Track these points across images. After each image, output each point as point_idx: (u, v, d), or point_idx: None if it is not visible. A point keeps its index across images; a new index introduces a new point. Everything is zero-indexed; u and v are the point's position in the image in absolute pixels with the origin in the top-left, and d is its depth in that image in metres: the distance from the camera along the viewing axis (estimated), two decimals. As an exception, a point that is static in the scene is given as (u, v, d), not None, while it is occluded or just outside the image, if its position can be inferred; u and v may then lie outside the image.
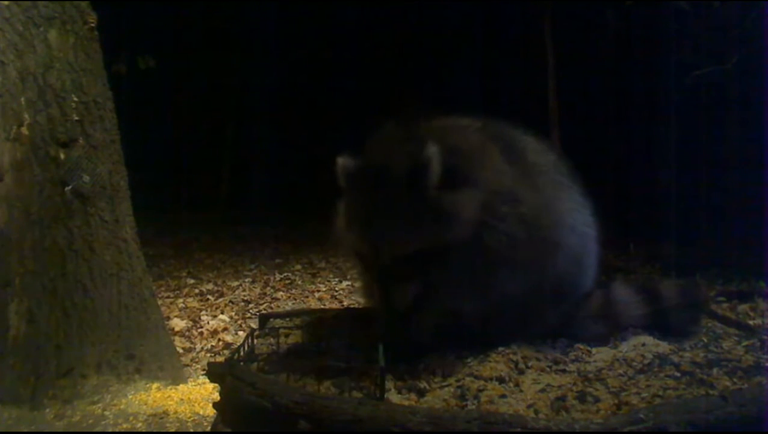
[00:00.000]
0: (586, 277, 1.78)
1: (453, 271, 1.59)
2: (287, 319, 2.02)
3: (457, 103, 1.87)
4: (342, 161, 1.65)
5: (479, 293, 1.61)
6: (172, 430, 2.31)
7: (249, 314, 4.07)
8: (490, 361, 1.55)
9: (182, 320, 3.88)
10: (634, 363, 1.57)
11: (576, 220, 1.76)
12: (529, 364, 1.55)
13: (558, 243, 1.67)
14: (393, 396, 1.40)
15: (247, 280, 5.07)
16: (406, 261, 1.53)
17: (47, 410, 2.43)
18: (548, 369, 1.54)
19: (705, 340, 1.75)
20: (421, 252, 1.53)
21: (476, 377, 1.47)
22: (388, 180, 1.55)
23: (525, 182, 1.67)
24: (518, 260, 1.60)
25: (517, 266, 1.61)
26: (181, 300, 4.38)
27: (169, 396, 2.56)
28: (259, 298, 4.52)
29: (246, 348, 1.64)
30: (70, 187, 2.59)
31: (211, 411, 2.18)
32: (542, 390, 1.41)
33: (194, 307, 4.23)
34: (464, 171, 1.60)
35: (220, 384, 1.39)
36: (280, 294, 4.64)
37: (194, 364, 3.22)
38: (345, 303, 4.30)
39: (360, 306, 2.08)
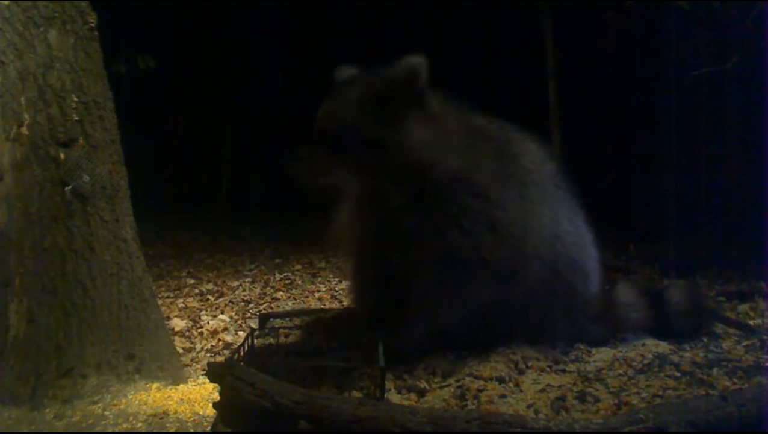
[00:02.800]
0: (578, 285, 1.75)
1: (425, 278, 1.59)
2: (287, 319, 2.02)
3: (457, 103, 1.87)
4: (338, 70, 1.76)
5: (452, 302, 1.60)
6: (172, 430, 2.31)
7: (249, 314, 4.07)
8: (490, 361, 1.55)
9: (182, 320, 3.88)
10: (634, 363, 1.57)
11: (562, 231, 1.73)
12: (529, 364, 1.55)
13: (530, 253, 1.65)
14: (393, 396, 1.40)
15: (247, 280, 5.07)
16: (328, 141, 1.55)
17: (47, 410, 2.43)
18: (548, 369, 1.54)
19: (705, 340, 1.75)
20: (344, 143, 1.55)
21: (476, 377, 1.47)
22: (360, 81, 1.66)
23: (510, 186, 1.66)
24: (486, 265, 1.59)
25: (485, 270, 1.59)
26: (181, 300, 4.38)
27: (169, 396, 2.56)
28: (259, 298, 4.52)
29: (246, 348, 1.64)
30: (70, 187, 2.59)
31: (211, 411, 2.18)
32: (542, 390, 1.41)
33: (194, 307, 4.23)
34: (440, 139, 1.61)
35: (220, 384, 1.39)
36: (280, 294, 4.64)
37: (194, 364, 3.21)
38: (345, 303, 4.30)
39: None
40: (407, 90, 1.58)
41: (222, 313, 4.08)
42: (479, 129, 1.74)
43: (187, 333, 3.70)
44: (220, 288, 4.78)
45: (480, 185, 1.60)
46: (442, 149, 1.58)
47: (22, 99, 2.53)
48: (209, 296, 4.54)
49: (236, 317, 4.02)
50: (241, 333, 3.66)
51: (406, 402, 1.37)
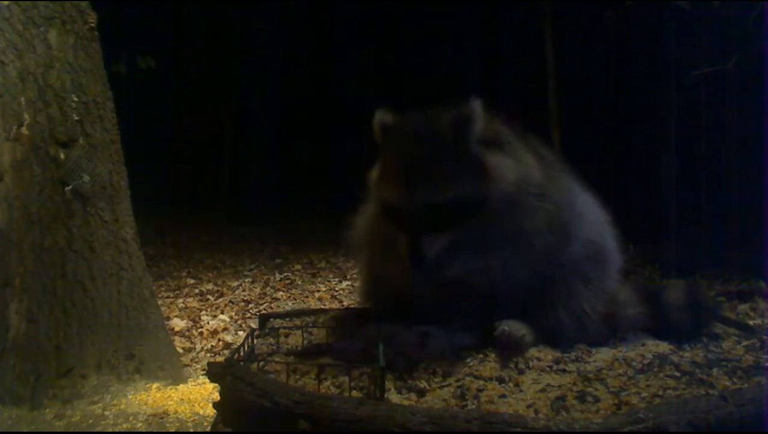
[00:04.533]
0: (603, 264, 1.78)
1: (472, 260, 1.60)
2: (287, 319, 2.02)
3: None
4: (380, 115, 1.64)
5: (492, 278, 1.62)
6: (172, 430, 2.31)
7: (249, 314, 4.07)
8: (490, 361, 1.55)
9: (182, 320, 3.89)
10: (634, 363, 1.57)
11: (593, 212, 1.79)
12: (529, 364, 1.55)
13: (573, 235, 1.69)
14: (393, 396, 1.39)
15: (247, 280, 5.07)
16: (438, 214, 1.49)
17: (47, 410, 2.43)
18: (548, 369, 1.54)
19: (705, 340, 1.75)
20: (454, 208, 1.50)
21: (476, 377, 1.47)
22: (429, 129, 1.55)
23: (549, 179, 1.69)
24: (536, 250, 1.62)
25: (532, 254, 1.62)
26: (181, 300, 4.39)
27: (169, 396, 2.57)
28: (259, 298, 4.52)
29: (246, 348, 1.64)
30: (70, 187, 2.59)
31: (211, 411, 2.18)
32: (542, 390, 1.41)
33: (194, 307, 4.23)
34: (503, 147, 1.62)
35: (220, 384, 1.39)
36: (280, 294, 4.64)
37: (194, 364, 3.22)
38: (345, 303, 4.30)
39: (360, 306, 2.08)
40: (475, 133, 1.57)
41: (222, 313, 4.09)
42: (520, 137, 1.76)
43: (187, 333, 3.70)
44: (220, 288, 4.78)
45: (540, 187, 1.63)
46: (518, 172, 1.61)
47: (22, 99, 2.53)
48: (209, 296, 4.55)
49: (236, 317, 4.03)
50: (241, 332, 3.66)
51: (406, 402, 1.37)
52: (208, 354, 3.37)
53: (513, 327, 1.61)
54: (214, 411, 1.44)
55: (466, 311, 1.64)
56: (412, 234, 1.50)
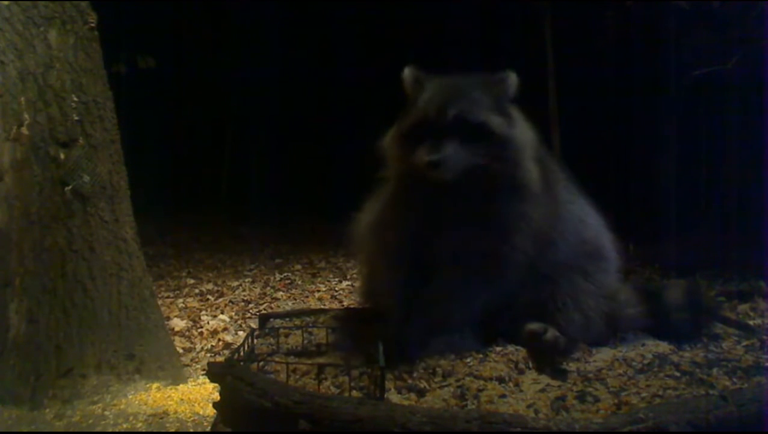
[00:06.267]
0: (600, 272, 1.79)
1: (450, 275, 1.61)
2: (287, 319, 2.02)
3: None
4: (411, 70, 1.73)
5: (469, 300, 1.63)
6: (172, 430, 2.31)
7: (249, 314, 4.07)
8: (490, 361, 1.55)
9: (182, 320, 3.89)
10: (634, 363, 1.57)
11: (589, 216, 1.82)
12: (529, 364, 1.55)
13: (554, 242, 1.71)
14: (393, 396, 1.39)
15: (247, 280, 5.07)
16: (465, 130, 1.57)
17: (47, 410, 2.43)
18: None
19: (705, 340, 1.75)
20: (480, 132, 1.58)
21: (476, 377, 1.47)
22: (469, 77, 1.68)
23: (545, 184, 1.70)
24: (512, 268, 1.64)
25: (513, 271, 1.64)
26: (181, 300, 4.39)
27: (169, 396, 2.57)
28: (259, 298, 4.52)
29: (246, 348, 1.64)
30: (70, 187, 2.59)
31: (211, 411, 2.18)
32: (542, 390, 1.41)
33: (194, 307, 4.24)
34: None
35: (220, 384, 1.39)
36: (280, 294, 4.64)
37: (194, 364, 3.22)
38: (345, 303, 4.30)
39: (360, 306, 2.08)
40: (511, 96, 1.69)
41: (222, 313, 4.09)
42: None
43: (187, 333, 3.70)
44: (220, 288, 4.78)
45: (540, 192, 1.68)
46: (529, 153, 1.67)
47: (22, 99, 2.53)
48: (209, 296, 4.55)
49: (236, 317, 4.03)
50: (241, 332, 3.66)
51: (406, 402, 1.37)
52: (208, 354, 3.37)
53: (538, 327, 1.61)
54: (214, 411, 1.44)
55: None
56: (436, 138, 1.56)
